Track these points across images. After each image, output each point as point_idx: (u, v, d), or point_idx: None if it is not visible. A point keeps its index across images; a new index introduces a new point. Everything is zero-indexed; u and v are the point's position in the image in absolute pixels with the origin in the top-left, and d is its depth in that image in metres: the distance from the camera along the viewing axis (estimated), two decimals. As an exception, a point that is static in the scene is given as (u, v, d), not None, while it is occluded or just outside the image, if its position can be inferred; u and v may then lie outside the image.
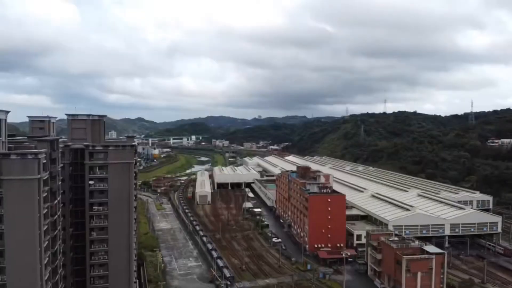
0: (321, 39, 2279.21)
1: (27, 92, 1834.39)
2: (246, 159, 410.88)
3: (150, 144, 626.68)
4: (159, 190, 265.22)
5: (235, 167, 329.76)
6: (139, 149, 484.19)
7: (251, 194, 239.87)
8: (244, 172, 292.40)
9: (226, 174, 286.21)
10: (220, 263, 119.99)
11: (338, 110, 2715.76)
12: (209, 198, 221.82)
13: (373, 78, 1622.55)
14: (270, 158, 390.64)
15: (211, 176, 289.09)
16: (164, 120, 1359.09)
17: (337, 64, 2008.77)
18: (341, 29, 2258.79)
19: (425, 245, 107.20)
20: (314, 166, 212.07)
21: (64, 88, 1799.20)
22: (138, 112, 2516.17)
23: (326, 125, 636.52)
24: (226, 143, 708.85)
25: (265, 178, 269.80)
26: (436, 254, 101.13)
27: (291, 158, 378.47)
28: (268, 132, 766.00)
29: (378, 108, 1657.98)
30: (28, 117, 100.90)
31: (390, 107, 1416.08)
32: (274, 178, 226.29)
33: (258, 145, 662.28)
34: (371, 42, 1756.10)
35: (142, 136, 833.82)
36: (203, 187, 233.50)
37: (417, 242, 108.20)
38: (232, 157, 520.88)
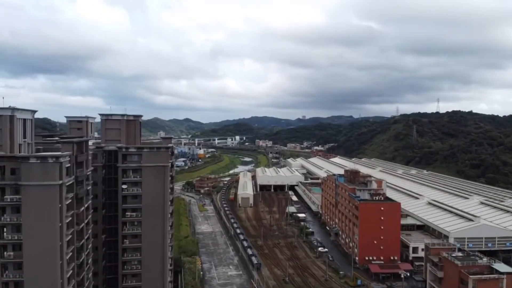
0: (366, 37, 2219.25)
1: (81, 94, 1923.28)
2: (289, 160, 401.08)
3: (196, 144, 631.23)
4: (202, 191, 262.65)
5: (278, 169, 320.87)
6: (185, 149, 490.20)
7: (294, 198, 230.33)
8: (288, 174, 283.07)
9: (268, 175, 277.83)
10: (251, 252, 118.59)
11: (387, 109, 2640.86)
12: (251, 201, 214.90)
13: (424, 76, 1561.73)
14: (314, 160, 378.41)
15: (253, 177, 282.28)
16: (209, 120, 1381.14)
17: (385, 62, 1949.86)
18: (387, 27, 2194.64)
19: (494, 262, 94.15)
20: (362, 169, 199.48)
21: (115, 90, 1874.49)
22: (185, 113, 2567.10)
23: (374, 125, 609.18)
24: (269, 143, 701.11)
25: (310, 180, 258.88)
26: (507, 273, 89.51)
27: (337, 159, 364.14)
28: (313, 133, 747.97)
29: (429, 108, 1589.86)
30: (66, 117, 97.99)
31: (443, 107, 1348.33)
32: (319, 181, 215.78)
33: (302, 145, 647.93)
34: (420, 39, 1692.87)
35: (189, 136, 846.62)
36: (245, 189, 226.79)
37: (485, 259, 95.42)
38: (275, 158, 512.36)
